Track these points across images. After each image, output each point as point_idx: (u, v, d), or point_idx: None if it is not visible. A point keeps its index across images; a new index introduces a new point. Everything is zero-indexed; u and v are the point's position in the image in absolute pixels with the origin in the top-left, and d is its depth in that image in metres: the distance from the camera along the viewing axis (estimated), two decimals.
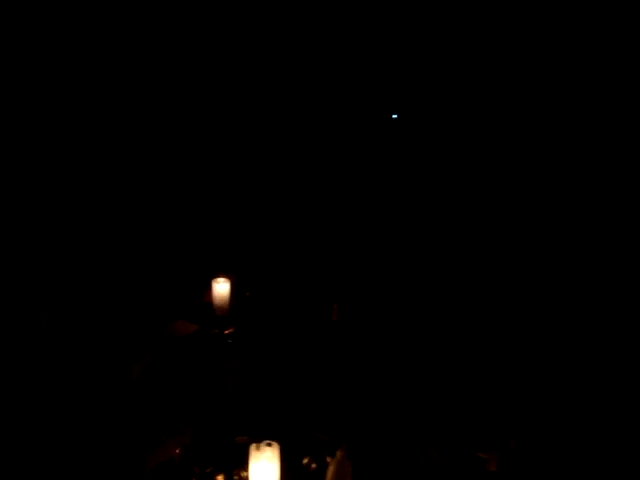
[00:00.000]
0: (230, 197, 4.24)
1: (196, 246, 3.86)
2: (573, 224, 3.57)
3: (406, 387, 2.69)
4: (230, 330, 3.05)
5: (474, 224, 3.92)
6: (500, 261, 3.61)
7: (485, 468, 2.21)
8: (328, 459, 2.18)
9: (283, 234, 4.09)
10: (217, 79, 4.17)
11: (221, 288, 3.16)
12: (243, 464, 2.13)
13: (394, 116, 4.48)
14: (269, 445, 2.02)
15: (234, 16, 4.08)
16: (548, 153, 3.83)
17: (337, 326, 3.02)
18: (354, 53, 4.27)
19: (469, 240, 3.83)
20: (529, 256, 3.58)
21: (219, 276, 3.18)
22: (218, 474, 2.12)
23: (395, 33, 4.18)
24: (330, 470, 2.04)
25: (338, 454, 2.04)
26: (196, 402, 2.53)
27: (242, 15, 4.09)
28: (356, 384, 2.68)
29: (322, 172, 4.42)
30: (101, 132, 3.86)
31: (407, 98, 4.41)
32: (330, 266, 3.73)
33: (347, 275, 3.61)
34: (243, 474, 2.13)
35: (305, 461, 2.23)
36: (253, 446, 2.04)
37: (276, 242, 4.04)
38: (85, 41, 3.85)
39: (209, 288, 3.18)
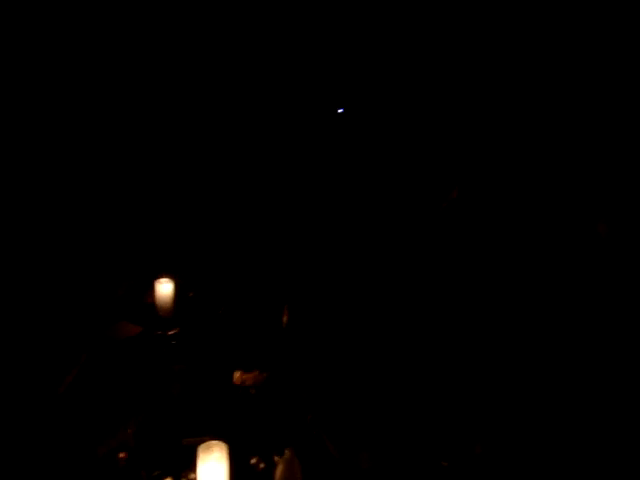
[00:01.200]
0: (173, 196, 4.18)
1: (138, 246, 3.78)
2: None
3: (355, 389, 2.71)
4: (174, 331, 3.01)
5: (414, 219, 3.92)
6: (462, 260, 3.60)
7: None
8: (276, 458, 2.19)
9: (229, 233, 4.05)
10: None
11: (164, 289, 3.11)
12: (191, 466, 2.12)
13: (340, 110, 4.50)
14: (217, 445, 2.02)
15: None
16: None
17: (288, 327, 3.01)
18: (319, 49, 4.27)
19: (412, 236, 3.84)
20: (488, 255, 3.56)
21: (162, 276, 3.13)
22: (166, 477, 2.09)
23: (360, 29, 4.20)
24: (279, 469, 2.05)
25: (287, 453, 2.06)
26: (140, 405, 2.49)
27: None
28: (304, 385, 2.69)
29: (267, 167, 4.40)
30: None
31: (355, 92, 4.44)
32: (280, 266, 3.71)
33: (298, 275, 3.60)
34: (191, 476, 2.11)
35: (253, 461, 2.23)
36: (201, 447, 2.02)
37: (221, 241, 4.00)
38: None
39: (152, 289, 3.13)
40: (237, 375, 2.69)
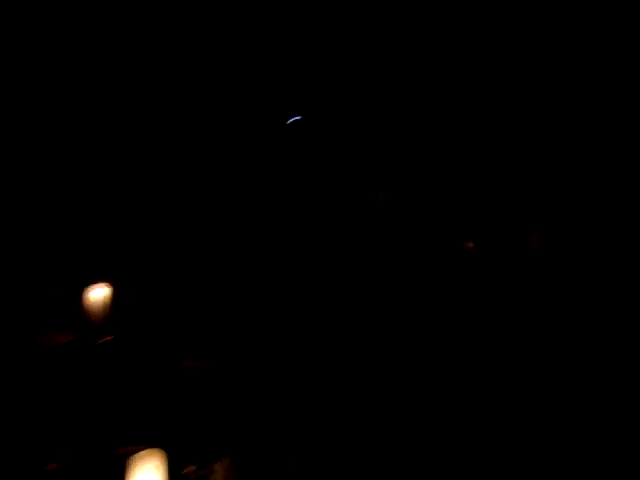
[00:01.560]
0: (105, 200, 4.07)
1: (70, 252, 3.67)
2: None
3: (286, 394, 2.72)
4: (107, 338, 2.94)
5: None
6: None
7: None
8: (214, 466, 2.18)
9: (167, 237, 3.98)
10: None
11: (96, 294, 3.04)
12: (127, 476, 2.09)
13: (295, 119, 4.48)
14: (152, 454, 2.00)
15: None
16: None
17: (228, 330, 3.00)
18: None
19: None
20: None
21: (94, 282, 3.06)
22: None
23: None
24: (216, 476, 2.05)
25: (224, 460, 2.06)
26: (73, 413, 2.43)
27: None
28: (243, 393, 2.68)
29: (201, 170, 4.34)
30: None
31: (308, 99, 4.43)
32: (217, 269, 3.68)
33: (237, 278, 3.58)
34: None
35: (190, 468, 2.22)
36: (135, 456, 2.00)
37: (157, 246, 3.92)
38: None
39: (83, 295, 3.05)
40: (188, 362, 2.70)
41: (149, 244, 3.82)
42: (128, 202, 3.96)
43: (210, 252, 3.76)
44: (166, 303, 3.30)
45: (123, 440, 2.30)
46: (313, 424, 2.55)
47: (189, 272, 3.60)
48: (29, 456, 2.16)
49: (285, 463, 2.33)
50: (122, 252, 3.72)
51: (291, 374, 2.83)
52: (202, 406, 2.58)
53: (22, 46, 3.54)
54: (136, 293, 3.34)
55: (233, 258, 3.73)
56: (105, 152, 3.97)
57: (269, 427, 2.48)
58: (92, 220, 3.90)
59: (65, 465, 2.15)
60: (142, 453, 2.00)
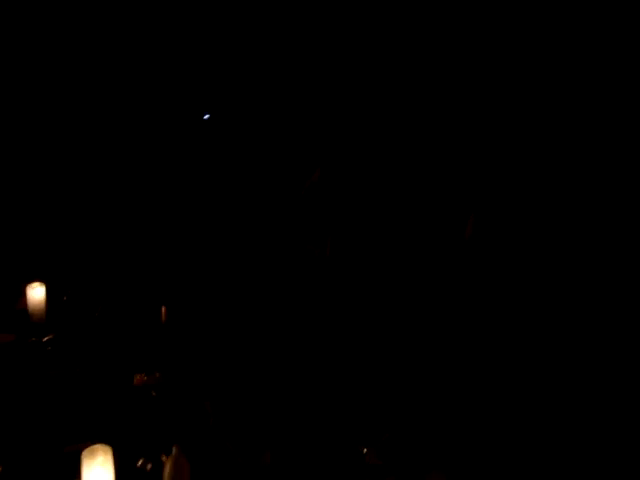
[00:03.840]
0: (41, 199, 3.98)
1: (6, 251, 3.58)
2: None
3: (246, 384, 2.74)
4: (49, 337, 2.90)
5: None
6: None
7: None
8: (164, 458, 2.18)
9: (105, 235, 3.93)
10: None
11: (36, 293, 2.99)
12: (75, 474, 2.07)
13: (206, 116, 4.46)
14: (101, 449, 1.99)
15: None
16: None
17: (167, 328, 2.98)
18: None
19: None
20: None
21: (33, 281, 3.00)
22: None
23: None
24: (167, 468, 2.05)
25: (174, 451, 2.06)
26: (16, 414, 2.38)
27: None
28: (192, 382, 2.68)
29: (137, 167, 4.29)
30: None
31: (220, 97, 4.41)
32: (157, 267, 3.66)
33: (174, 277, 3.56)
34: None
35: (140, 462, 2.21)
36: (84, 452, 1.98)
37: (95, 243, 3.87)
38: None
39: (23, 294, 2.99)
40: (138, 377, 2.66)
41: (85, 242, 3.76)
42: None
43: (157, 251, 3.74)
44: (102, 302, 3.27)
45: (70, 437, 2.28)
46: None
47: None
48: None
49: (235, 452, 2.36)
50: (59, 251, 3.66)
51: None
52: (150, 400, 2.57)
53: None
54: (73, 294, 3.29)
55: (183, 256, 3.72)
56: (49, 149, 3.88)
57: (218, 416, 2.50)
58: (29, 219, 3.82)
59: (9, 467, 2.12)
60: (89, 449, 1.99)
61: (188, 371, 2.75)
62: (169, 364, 2.76)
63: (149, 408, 2.53)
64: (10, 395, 2.50)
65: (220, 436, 2.39)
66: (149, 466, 2.21)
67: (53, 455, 2.22)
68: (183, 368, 2.76)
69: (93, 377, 2.67)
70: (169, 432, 2.36)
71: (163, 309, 2.99)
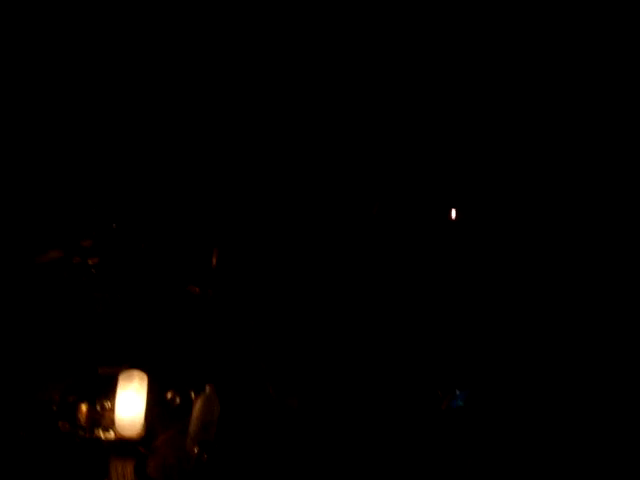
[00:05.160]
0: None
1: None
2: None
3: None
4: (94, 260, 2.92)
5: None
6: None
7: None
8: (193, 394, 2.21)
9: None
10: None
11: None
12: (106, 394, 2.11)
13: None
14: (138, 374, 2.01)
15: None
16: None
17: (216, 272, 2.99)
18: None
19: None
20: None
21: None
22: (82, 402, 2.06)
23: None
24: (197, 405, 2.07)
25: (207, 389, 2.07)
26: (61, 331, 2.43)
27: None
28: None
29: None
30: None
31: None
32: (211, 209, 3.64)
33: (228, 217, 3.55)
34: (107, 404, 2.10)
35: (169, 395, 2.24)
36: (122, 374, 2.01)
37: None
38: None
39: None
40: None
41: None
42: None
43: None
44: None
45: (107, 360, 2.32)
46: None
47: None
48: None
49: (267, 395, 2.38)
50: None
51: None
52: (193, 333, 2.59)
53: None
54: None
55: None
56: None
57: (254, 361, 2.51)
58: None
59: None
60: (127, 372, 2.01)
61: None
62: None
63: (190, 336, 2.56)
64: (51, 312, 2.54)
65: (259, 377, 2.40)
66: (178, 400, 2.24)
67: (87, 375, 2.26)
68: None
69: (133, 304, 2.70)
70: (204, 369, 2.38)
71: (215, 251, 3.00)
